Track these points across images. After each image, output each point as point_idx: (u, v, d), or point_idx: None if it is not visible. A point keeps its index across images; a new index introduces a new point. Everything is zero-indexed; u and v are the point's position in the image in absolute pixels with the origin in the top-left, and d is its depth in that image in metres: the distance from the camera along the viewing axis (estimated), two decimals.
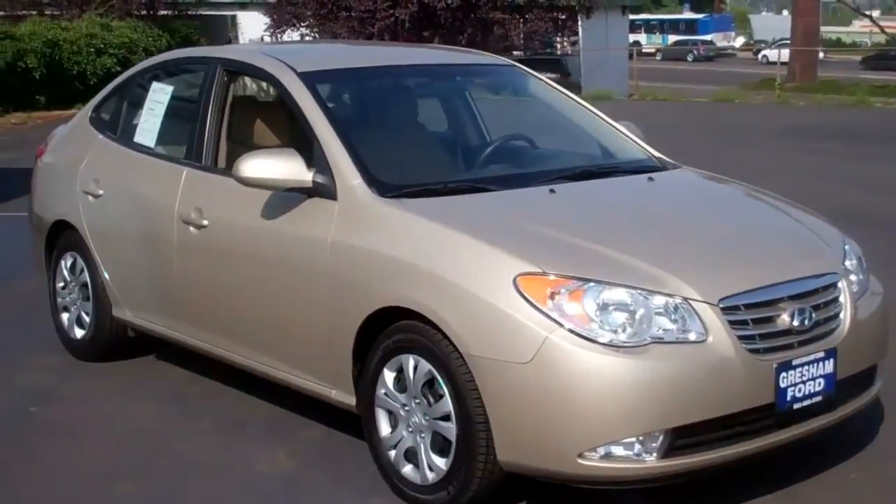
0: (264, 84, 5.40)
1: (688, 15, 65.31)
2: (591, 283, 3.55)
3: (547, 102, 5.40)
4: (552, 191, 4.25)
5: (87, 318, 5.68)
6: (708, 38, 58.59)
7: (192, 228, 4.79)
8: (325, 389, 4.31)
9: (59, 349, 5.86)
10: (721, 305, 3.60)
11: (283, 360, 4.50)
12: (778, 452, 3.85)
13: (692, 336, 3.55)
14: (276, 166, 4.22)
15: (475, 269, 3.68)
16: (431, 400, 3.80)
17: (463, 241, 3.77)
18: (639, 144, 5.08)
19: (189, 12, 32.33)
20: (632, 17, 59.53)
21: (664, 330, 3.54)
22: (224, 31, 34.73)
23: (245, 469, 4.32)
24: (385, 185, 4.14)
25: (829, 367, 3.81)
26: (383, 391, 3.98)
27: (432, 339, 3.73)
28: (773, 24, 65.45)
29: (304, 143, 4.41)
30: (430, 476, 3.84)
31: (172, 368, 5.57)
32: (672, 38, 58.90)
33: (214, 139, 4.93)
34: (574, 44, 33.46)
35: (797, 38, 35.48)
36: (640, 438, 3.50)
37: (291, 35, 28.23)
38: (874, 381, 4.20)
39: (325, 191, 4.21)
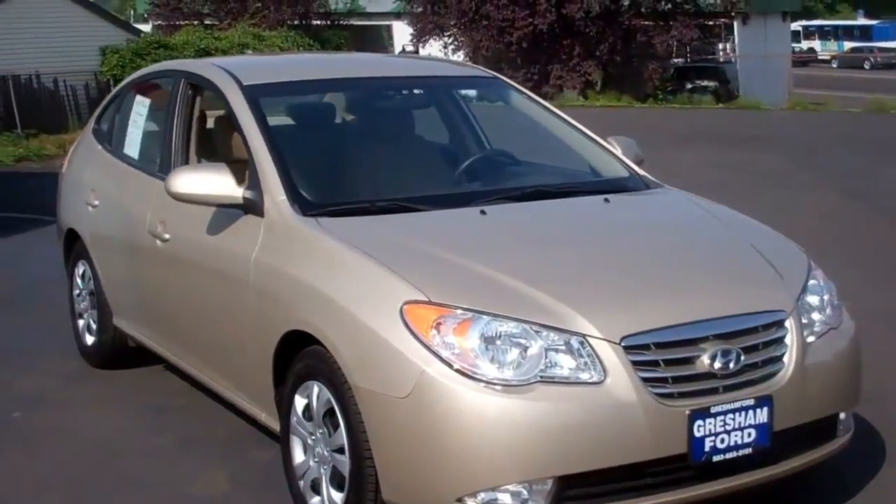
0: None
1: (861, 21, 62.02)
2: (479, 315, 3.28)
3: (529, 119, 5.09)
4: (483, 212, 3.99)
5: (95, 326, 5.76)
6: (889, 45, 55.42)
7: (158, 241, 4.76)
8: (257, 412, 4.21)
9: (77, 355, 5.96)
10: (623, 344, 3.26)
11: (227, 380, 4.45)
12: None
13: (586, 376, 3.24)
14: (205, 182, 4.14)
15: (366, 295, 3.49)
16: (331, 430, 3.62)
17: (359, 265, 3.58)
18: (624, 162, 4.73)
19: (341, 22, 32.99)
20: (805, 23, 57.37)
21: (556, 369, 3.24)
22: (379, 41, 35.31)
23: (175, 490, 4.24)
24: (308, 203, 3.98)
25: (762, 416, 3.40)
26: (295, 418, 3.82)
27: (331, 366, 3.54)
28: None
29: None
30: None
31: (172, 380, 5.52)
32: (847, 45, 56.10)
33: (182, 152, 4.90)
34: (733, 51, 32.43)
35: None
36: (527, 486, 3.21)
37: (433, 44, 28.47)
38: (835, 434, 3.74)
39: (254, 207, 4.10)
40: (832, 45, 57.47)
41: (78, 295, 5.94)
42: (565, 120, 5.02)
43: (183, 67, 5.28)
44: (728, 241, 4.09)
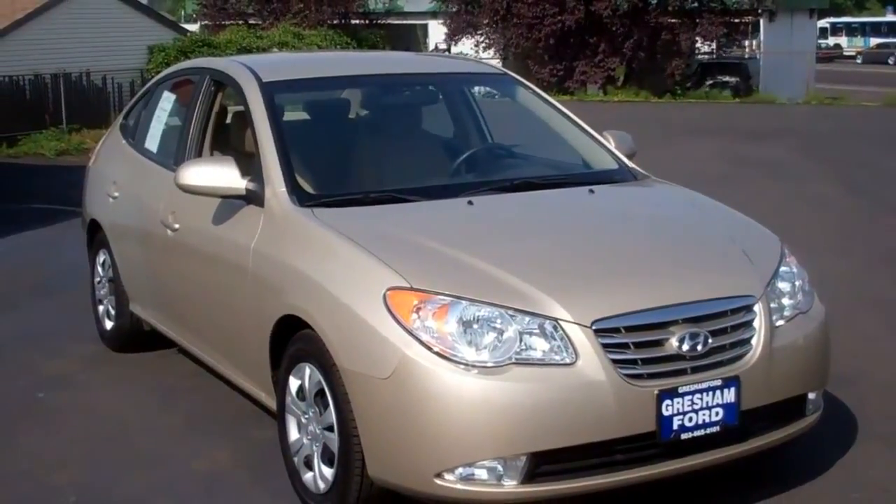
0: None
1: (890, 17, 61.57)
2: (456, 300, 3.47)
3: (533, 114, 5.25)
4: (470, 203, 4.18)
5: (113, 312, 6.01)
6: None
7: (168, 231, 4.99)
8: (257, 392, 4.42)
9: (98, 339, 6.23)
10: (594, 328, 3.44)
11: (230, 362, 4.67)
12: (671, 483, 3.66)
13: (559, 358, 3.42)
14: (210, 174, 4.35)
15: (352, 281, 3.69)
16: (322, 409, 3.83)
17: (347, 252, 3.78)
18: (615, 155, 4.90)
19: (379, 21, 33.20)
20: (833, 19, 57.09)
21: (530, 351, 3.43)
22: (414, 39, 35.45)
23: (181, 465, 4.47)
24: (305, 195, 4.20)
25: (729, 396, 3.57)
26: (289, 398, 4.03)
27: (320, 349, 3.74)
28: None
29: None
30: (322, 486, 3.86)
31: (183, 362, 5.74)
32: (874, 41, 55.74)
33: (196, 146, 5.12)
34: (758, 47, 32.40)
35: None
36: (502, 461, 3.40)
37: (465, 42, 28.71)
38: (805, 413, 3.90)
39: (256, 198, 4.31)
40: (859, 42, 57.21)
41: (98, 282, 6.20)
42: (566, 115, 5.20)
43: (208, 65, 5.49)
44: (703, 228, 4.27)
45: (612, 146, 4.97)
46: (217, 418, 4.97)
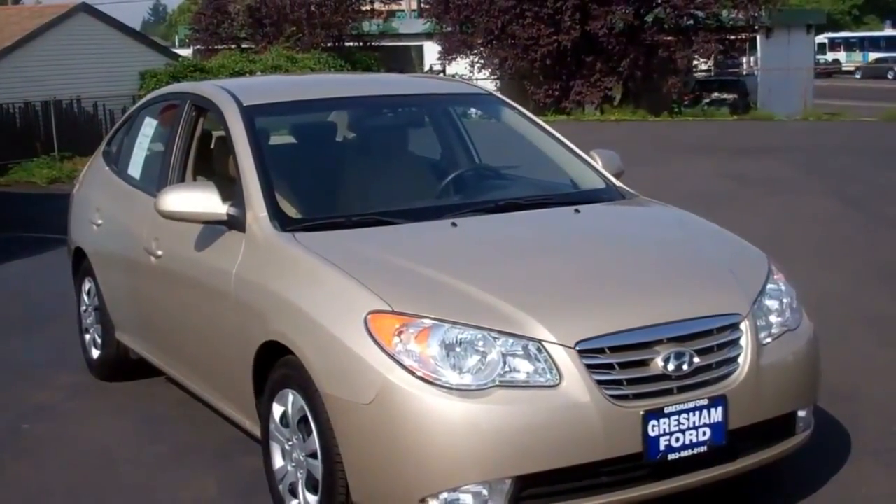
0: None
1: (888, 32, 61.72)
2: (438, 323, 3.42)
3: (518, 134, 5.21)
4: (453, 224, 4.14)
5: (99, 340, 5.96)
6: None
7: (152, 258, 4.95)
8: (242, 419, 4.37)
9: (85, 368, 6.17)
10: (578, 348, 3.39)
11: (215, 389, 4.62)
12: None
13: (542, 380, 3.36)
14: (191, 199, 4.31)
15: (334, 306, 3.64)
16: (305, 436, 3.77)
17: (328, 277, 3.73)
18: (601, 174, 4.86)
19: (374, 44, 33.24)
20: (831, 35, 57.32)
21: (513, 373, 3.37)
22: (409, 61, 35.50)
23: (168, 495, 4.42)
24: (286, 219, 4.15)
25: (716, 415, 3.52)
26: (273, 425, 3.97)
27: (303, 375, 3.69)
28: None
29: None
30: None
31: (171, 391, 5.68)
32: (872, 56, 55.90)
33: (179, 171, 5.08)
34: (756, 63, 32.50)
35: None
36: (487, 486, 3.34)
37: (460, 62, 28.78)
38: (795, 431, 3.84)
39: (237, 223, 4.26)
40: (857, 57, 57.38)
41: (84, 311, 6.15)
42: (552, 134, 5.17)
43: (190, 89, 5.44)
44: (688, 247, 4.21)
45: (599, 165, 4.93)
46: (204, 446, 4.91)
